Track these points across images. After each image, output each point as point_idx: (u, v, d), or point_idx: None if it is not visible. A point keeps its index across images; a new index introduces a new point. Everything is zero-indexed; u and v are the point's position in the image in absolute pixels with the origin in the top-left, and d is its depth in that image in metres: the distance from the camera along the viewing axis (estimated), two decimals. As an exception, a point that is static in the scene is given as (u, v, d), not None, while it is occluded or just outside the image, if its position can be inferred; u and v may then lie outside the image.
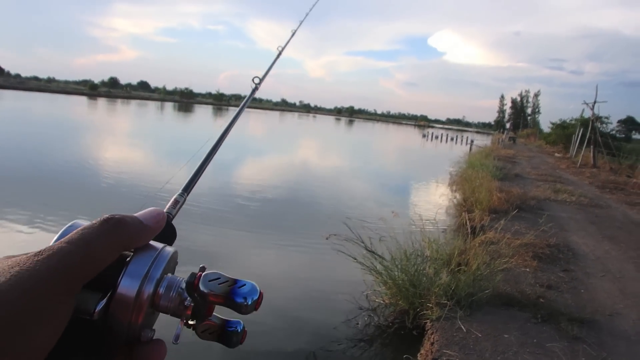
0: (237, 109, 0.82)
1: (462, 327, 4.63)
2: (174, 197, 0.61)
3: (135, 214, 0.47)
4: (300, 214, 11.94)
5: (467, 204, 11.90)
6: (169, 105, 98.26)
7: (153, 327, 0.46)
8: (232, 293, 0.47)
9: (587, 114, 30.90)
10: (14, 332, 0.34)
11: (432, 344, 4.42)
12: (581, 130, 30.64)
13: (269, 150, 30.25)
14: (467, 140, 55.45)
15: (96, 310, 0.41)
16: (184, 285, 0.47)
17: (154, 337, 0.46)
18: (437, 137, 68.50)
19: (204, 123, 53.65)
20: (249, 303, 0.47)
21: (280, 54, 1.14)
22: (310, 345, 5.01)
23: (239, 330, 0.53)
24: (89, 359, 0.42)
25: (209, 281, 0.46)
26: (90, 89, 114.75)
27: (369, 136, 68.29)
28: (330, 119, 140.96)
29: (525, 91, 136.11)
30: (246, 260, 7.77)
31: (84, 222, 0.45)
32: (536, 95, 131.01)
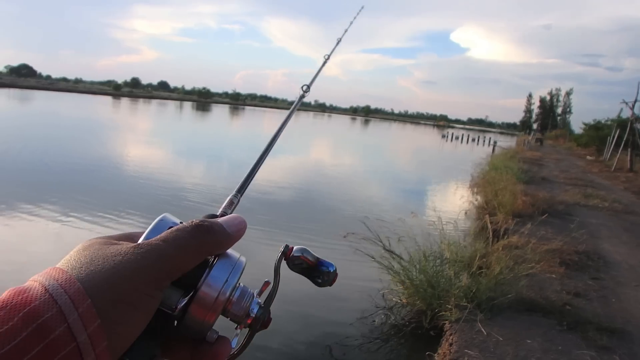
0: (287, 113, 0.90)
1: (482, 329, 4.73)
2: (229, 197, 0.65)
3: (220, 220, 0.52)
4: (317, 213, 12.15)
5: (489, 207, 11.94)
6: (188, 105, 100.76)
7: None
8: (320, 262, 0.60)
9: (625, 114, 30.61)
10: (118, 311, 0.41)
11: (450, 344, 4.54)
12: (617, 131, 30.29)
13: (285, 150, 30.46)
14: (489, 141, 55.29)
15: (178, 307, 0.48)
16: (255, 295, 0.55)
17: (219, 336, 0.52)
18: (457, 138, 68.37)
19: (227, 123, 54.07)
20: (332, 270, 0.59)
21: (326, 62, 1.24)
22: (326, 340, 5.22)
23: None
24: (158, 348, 0.49)
25: (301, 249, 0.59)
26: (114, 89, 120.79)
27: (385, 136, 68.32)
28: (346, 118, 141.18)
29: (556, 89, 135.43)
30: (263, 255, 7.92)
31: (172, 217, 0.53)
32: (568, 93, 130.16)
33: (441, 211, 10.85)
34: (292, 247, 0.58)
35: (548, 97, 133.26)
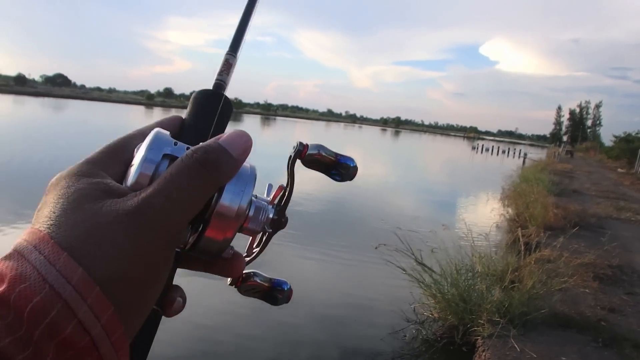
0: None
1: (516, 346, 4.60)
2: (225, 57, 0.57)
3: (223, 143, 0.43)
4: (347, 223, 12.16)
5: (521, 219, 11.73)
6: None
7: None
8: (339, 157, 0.52)
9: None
10: (130, 291, 0.37)
11: (483, 361, 4.42)
12: (648, 144, 29.64)
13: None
14: (519, 153, 54.48)
15: (188, 243, 0.45)
16: (270, 210, 0.50)
17: (234, 252, 0.49)
18: (487, 150, 67.55)
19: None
20: (352, 165, 0.52)
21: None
22: (356, 355, 5.14)
23: (285, 289, 0.57)
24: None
25: (317, 146, 0.51)
26: (147, 99, 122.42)
27: (416, 148, 67.97)
28: (376, 129, 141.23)
29: (585, 102, 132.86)
30: (291, 265, 7.94)
31: (165, 135, 0.45)
32: (597, 106, 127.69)
33: (472, 224, 10.68)
34: (307, 145, 0.51)
35: (578, 110, 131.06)
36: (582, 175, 27.26)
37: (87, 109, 61.84)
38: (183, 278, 0.50)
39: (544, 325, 5.20)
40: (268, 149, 36.65)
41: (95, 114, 56.59)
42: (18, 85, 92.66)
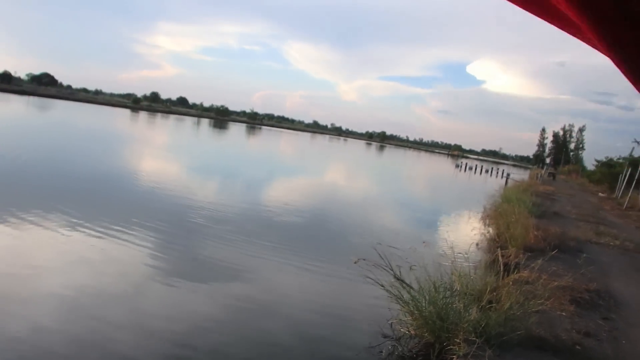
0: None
1: (491, 367, 4.57)
2: None
3: None
4: (328, 236, 12.14)
5: (501, 239, 11.76)
6: (205, 122, 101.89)
7: None
8: None
9: (638, 152, 30.33)
10: None
11: (458, 381, 4.38)
12: (629, 169, 30.04)
13: (298, 172, 30.56)
14: (502, 173, 54.90)
15: None
16: None
17: None
18: (471, 168, 67.97)
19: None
20: None
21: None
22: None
23: None
24: None
25: None
26: (133, 103, 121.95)
27: (400, 163, 68.23)
28: (361, 143, 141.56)
29: (569, 125, 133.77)
30: (272, 278, 7.89)
31: None
32: (581, 130, 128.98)
33: (453, 242, 10.71)
34: None
35: (561, 133, 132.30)
36: (564, 197, 27.50)
37: (71, 110, 61.15)
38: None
39: (520, 347, 5.18)
40: (252, 158, 36.54)
41: (79, 115, 56.07)
42: (3, 83, 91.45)
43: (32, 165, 15.71)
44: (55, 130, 31.29)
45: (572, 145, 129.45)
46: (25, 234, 8.24)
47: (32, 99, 72.49)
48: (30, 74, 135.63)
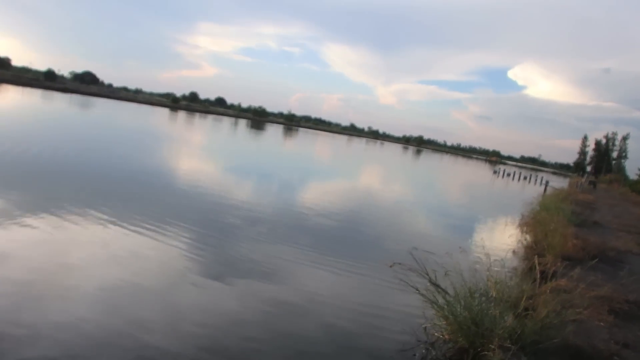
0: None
1: (526, 374, 4.55)
2: None
3: None
4: (364, 240, 12.17)
5: (538, 247, 11.59)
6: (243, 122, 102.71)
7: None
8: None
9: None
10: None
11: (492, 387, 4.38)
12: (673, 180, 29.09)
13: (335, 175, 30.69)
14: (541, 180, 53.89)
15: None
16: None
17: None
18: (509, 175, 66.86)
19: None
20: None
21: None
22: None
23: None
24: None
25: None
26: (172, 102, 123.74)
27: (437, 168, 67.65)
28: (398, 147, 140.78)
29: (612, 133, 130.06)
30: (305, 279, 7.97)
31: None
32: (624, 138, 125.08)
33: (489, 248, 10.61)
34: None
35: (604, 140, 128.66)
36: (604, 207, 26.82)
37: (111, 108, 62.66)
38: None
39: (555, 356, 5.13)
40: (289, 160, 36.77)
41: (118, 113, 57.40)
42: (48, 81, 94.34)
43: (71, 162, 16.20)
44: (95, 128, 32.14)
45: (614, 154, 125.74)
46: (61, 230, 8.49)
47: (74, 96, 74.27)
48: (73, 72, 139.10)
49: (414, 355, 5.49)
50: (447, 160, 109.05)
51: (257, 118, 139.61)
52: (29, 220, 8.50)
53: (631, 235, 15.69)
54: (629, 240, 14.10)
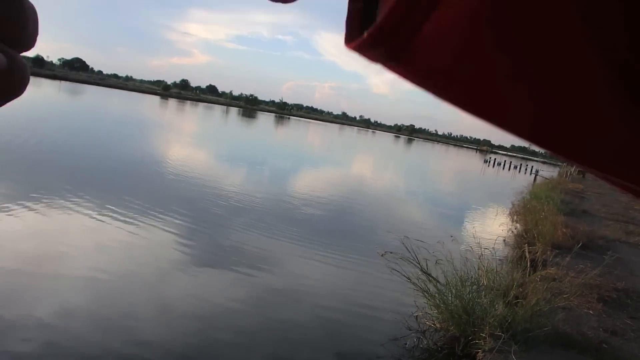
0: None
1: (516, 362, 4.56)
2: None
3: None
4: (355, 228, 12.13)
5: (528, 236, 11.65)
6: (234, 111, 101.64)
7: None
8: None
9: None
10: None
11: (483, 375, 4.39)
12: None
13: (326, 162, 30.62)
14: (531, 169, 54.10)
15: None
16: None
17: None
18: (499, 164, 67.15)
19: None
20: None
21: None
22: (355, 358, 5.13)
23: None
24: None
25: None
26: (163, 90, 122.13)
27: (428, 157, 67.77)
28: (390, 136, 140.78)
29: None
30: (296, 268, 7.94)
31: None
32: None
33: (480, 237, 10.64)
34: None
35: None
36: (594, 196, 27.00)
37: (101, 96, 62.01)
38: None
39: (546, 344, 5.15)
40: (280, 148, 36.72)
41: (108, 101, 56.94)
42: (36, 67, 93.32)
43: (59, 149, 16.05)
44: (84, 116, 31.88)
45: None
46: (52, 217, 8.43)
47: (63, 83, 72.95)
48: (62, 58, 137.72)
49: (405, 344, 5.49)
50: (439, 149, 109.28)
51: (249, 107, 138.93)
52: (15, 209, 8.41)
53: (619, 223, 15.80)
54: (617, 229, 14.20)
